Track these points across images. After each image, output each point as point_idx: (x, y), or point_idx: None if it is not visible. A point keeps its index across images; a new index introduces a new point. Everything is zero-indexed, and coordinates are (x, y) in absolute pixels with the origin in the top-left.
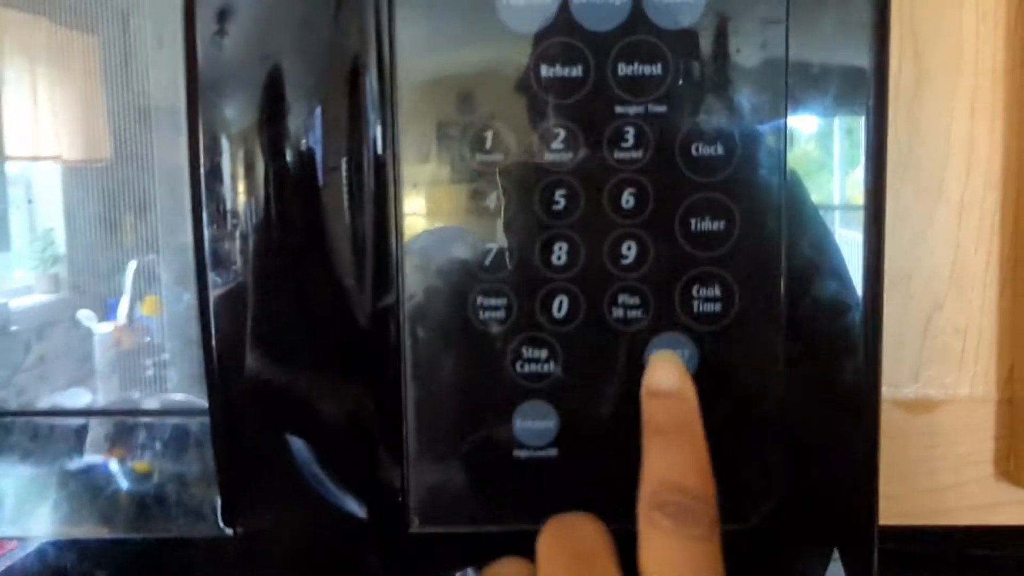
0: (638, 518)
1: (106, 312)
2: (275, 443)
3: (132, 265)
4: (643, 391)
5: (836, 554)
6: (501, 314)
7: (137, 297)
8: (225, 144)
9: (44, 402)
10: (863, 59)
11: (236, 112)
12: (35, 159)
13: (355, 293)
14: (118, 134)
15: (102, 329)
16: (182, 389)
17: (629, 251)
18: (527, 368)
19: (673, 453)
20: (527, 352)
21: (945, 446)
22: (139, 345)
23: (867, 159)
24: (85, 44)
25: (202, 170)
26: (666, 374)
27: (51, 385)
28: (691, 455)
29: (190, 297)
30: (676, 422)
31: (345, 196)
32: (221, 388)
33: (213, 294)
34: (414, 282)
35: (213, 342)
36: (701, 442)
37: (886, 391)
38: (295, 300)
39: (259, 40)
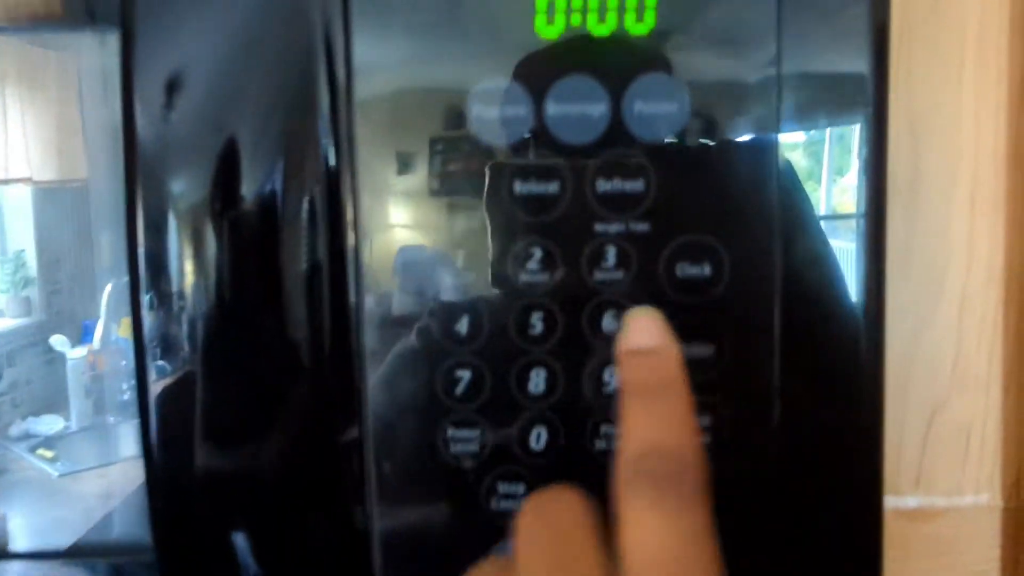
0: (617, 486)
1: (81, 335)
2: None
3: (108, 287)
4: (619, 351)
5: None
6: (474, 447)
7: (113, 319)
8: (171, 222)
9: (16, 429)
10: (862, 169)
11: (183, 188)
12: (5, 182)
13: (316, 414)
14: (94, 154)
15: (76, 353)
16: None
17: (612, 378)
18: (503, 504)
19: (655, 413)
20: (503, 488)
21: (950, 555)
22: (115, 368)
23: (865, 275)
24: (60, 64)
25: (141, 251)
26: (645, 331)
27: (23, 411)
28: (675, 414)
29: None
30: (658, 380)
31: (304, 296)
32: (164, 506)
33: (155, 387)
34: (379, 413)
35: (153, 441)
36: (687, 400)
37: (887, 500)
38: (249, 397)
39: (210, 111)
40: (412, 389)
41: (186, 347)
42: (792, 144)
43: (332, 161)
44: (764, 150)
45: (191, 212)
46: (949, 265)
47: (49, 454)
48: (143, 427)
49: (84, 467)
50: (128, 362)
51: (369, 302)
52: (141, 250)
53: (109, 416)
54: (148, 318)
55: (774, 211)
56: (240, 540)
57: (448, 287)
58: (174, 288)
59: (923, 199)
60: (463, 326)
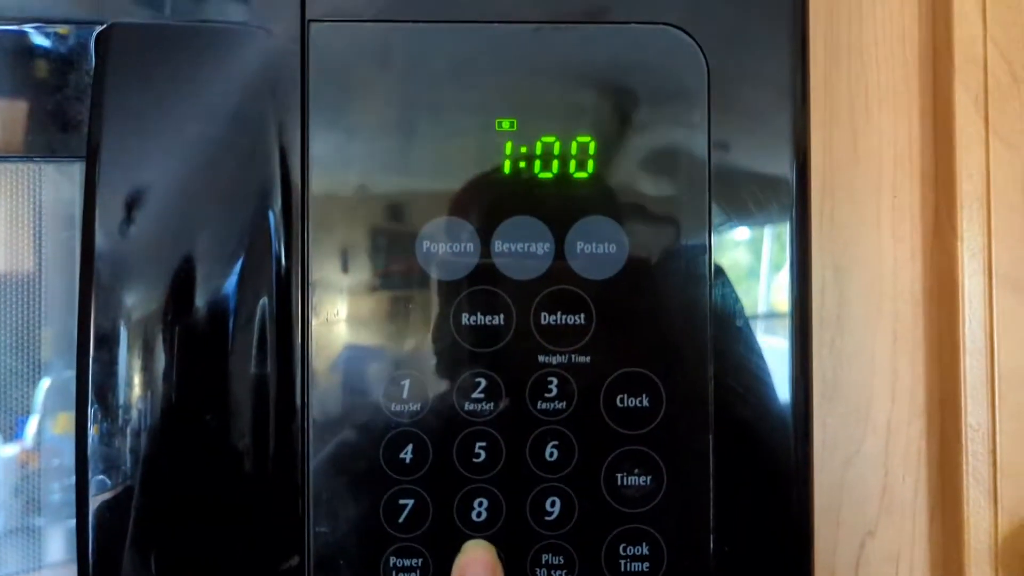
0: None
1: (14, 431)
2: None
3: (45, 383)
4: None
5: None
6: None
7: (48, 416)
8: (122, 335)
9: None
10: (788, 304)
11: (138, 299)
12: None
13: (258, 539)
14: (40, 245)
15: (7, 450)
16: None
17: (553, 507)
18: None
19: None
20: None
21: None
22: (48, 467)
23: (792, 405)
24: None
25: (91, 363)
26: (478, 567)
27: None
28: None
29: None
30: None
31: (250, 418)
32: None
33: (95, 501)
34: (322, 541)
35: (90, 559)
36: None
37: None
38: (191, 516)
39: (166, 227)
40: (354, 516)
41: (128, 461)
42: (724, 282)
43: (283, 273)
44: (697, 288)
45: (143, 326)
46: (874, 398)
47: None
48: (80, 544)
49: (10, 572)
50: (61, 461)
51: (316, 414)
52: (91, 362)
53: (39, 518)
54: (92, 430)
55: (707, 345)
56: None
57: (393, 415)
58: (120, 401)
59: (848, 335)
60: (407, 454)
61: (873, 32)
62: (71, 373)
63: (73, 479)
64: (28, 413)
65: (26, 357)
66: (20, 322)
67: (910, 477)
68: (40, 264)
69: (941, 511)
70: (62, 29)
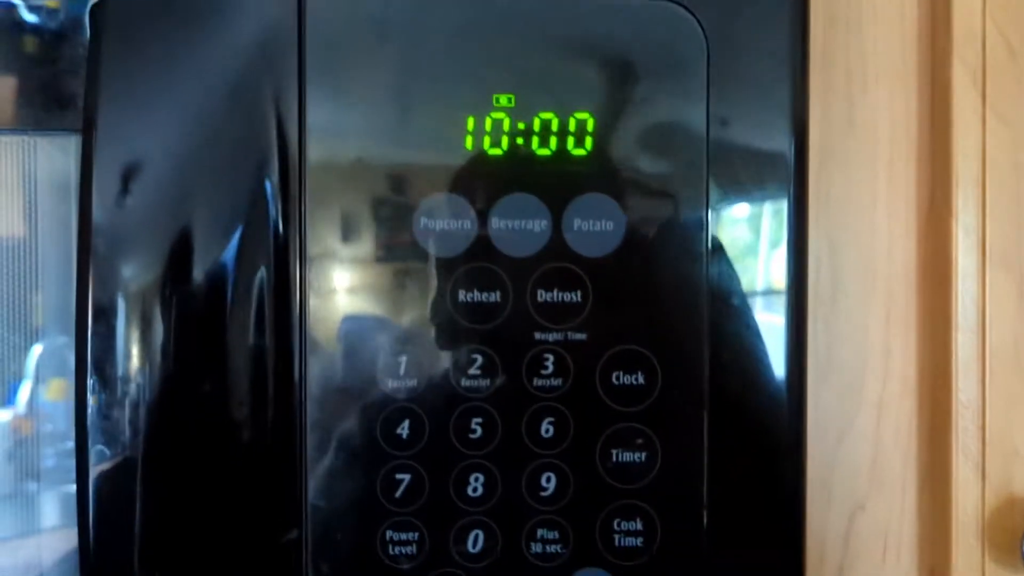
0: None
1: (5, 397)
2: None
3: (37, 348)
4: None
5: None
6: (412, 549)
7: (41, 381)
8: (121, 306)
9: None
10: (785, 281)
11: (135, 271)
12: None
13: (257, 511)
14: (35, 216)
15: (0, 416)
16: None
17: (548, 483)
18: None
19: None
20: None
21: None
22: (41, 433)
23: (787, 372)
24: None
25: (90, 335)
26: None
27: None
28: None
29: None
30: None
31: (248, 390)
32: None
33: (95, 471)
34: (319, 514)
35: (90, 529)
36: None
37: None
38: (190, 490)
39: (164, 195)
40: (352, 491)
41: (127, 432)
42: (721, 259)
43: (281, 244)
44: (694, 265)
45: (142, 297)
46: (867, 375)
47: None
48: (80, 514)
49: (5, 536)
50: (54, 426)
51: (313, 389)
52: (90, 334)
53: (31, 483)
54: (91, 400)
55: (703, 323)
56: None
57: (391, 391)
58: (119, 372)
59: (842, 312)
60: (404, 430)
61: (872, 6)
62: (64, 339)
63: (67, 445)
64: (21, 379)
65: (19, 324)
66: (14, 290)
67: (900, 452)
68: (35, 234)
69: (930, 486)
70: (51, 2)
